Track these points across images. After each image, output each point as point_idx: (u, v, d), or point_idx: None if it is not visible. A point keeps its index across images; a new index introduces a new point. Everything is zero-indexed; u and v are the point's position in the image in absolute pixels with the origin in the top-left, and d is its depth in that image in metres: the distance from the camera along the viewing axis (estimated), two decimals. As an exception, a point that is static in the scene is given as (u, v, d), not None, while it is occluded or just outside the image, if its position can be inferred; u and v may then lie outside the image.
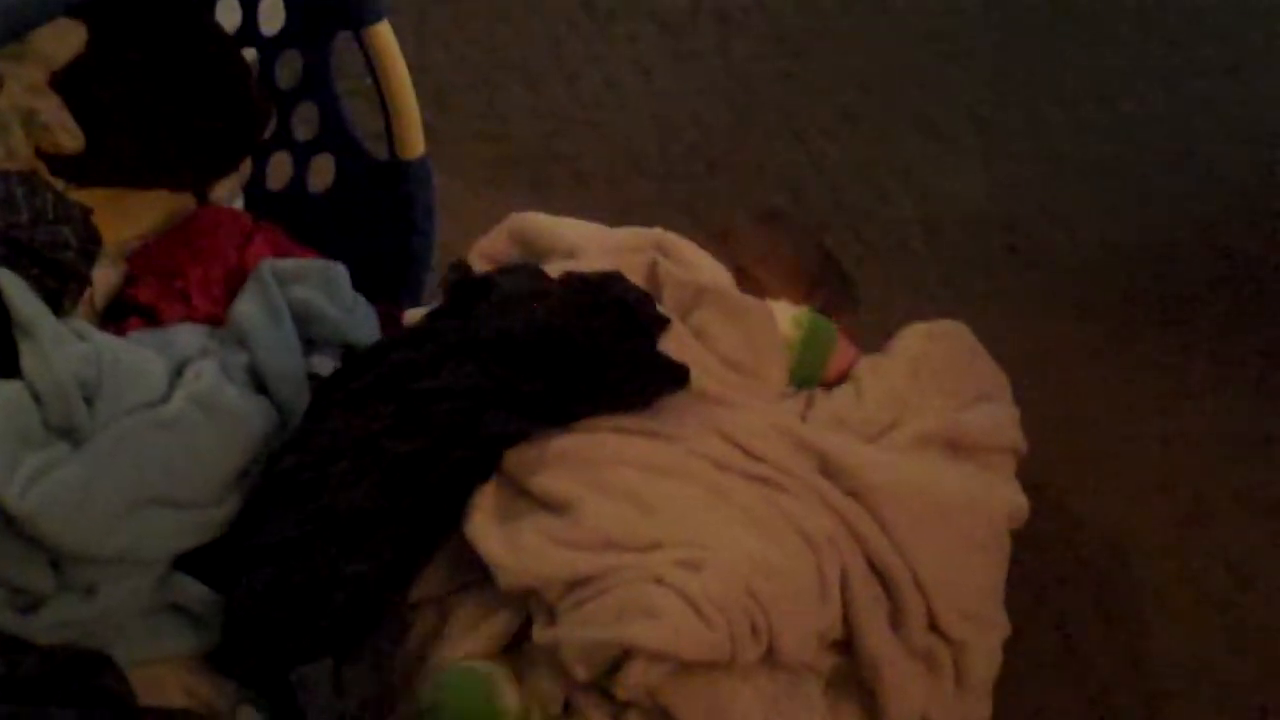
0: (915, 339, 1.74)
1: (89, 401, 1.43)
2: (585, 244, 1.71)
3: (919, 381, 1.67)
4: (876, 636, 1.46)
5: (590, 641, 1.34)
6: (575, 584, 1.39)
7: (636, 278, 1.64)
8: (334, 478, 1.45)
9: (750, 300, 1.65)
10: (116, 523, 1.39)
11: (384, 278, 1.86)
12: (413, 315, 1.66)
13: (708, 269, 1.69)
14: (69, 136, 1.78)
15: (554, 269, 1.64)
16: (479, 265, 1.75)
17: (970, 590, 1.53)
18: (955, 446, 1.61)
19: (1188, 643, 1.69)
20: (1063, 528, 1.67)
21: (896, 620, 1.49)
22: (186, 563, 1.48)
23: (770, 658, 1.40)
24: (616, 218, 2.15)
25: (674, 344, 1.54)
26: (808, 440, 1.54)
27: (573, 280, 1.54)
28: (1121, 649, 1.69)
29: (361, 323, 1.73)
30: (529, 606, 1.41)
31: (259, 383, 1.61)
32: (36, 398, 1.40)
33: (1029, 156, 2.41)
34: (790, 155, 2.41)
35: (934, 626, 1.50)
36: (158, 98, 1.84)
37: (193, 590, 1.46)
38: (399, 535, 1.42)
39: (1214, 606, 1.74)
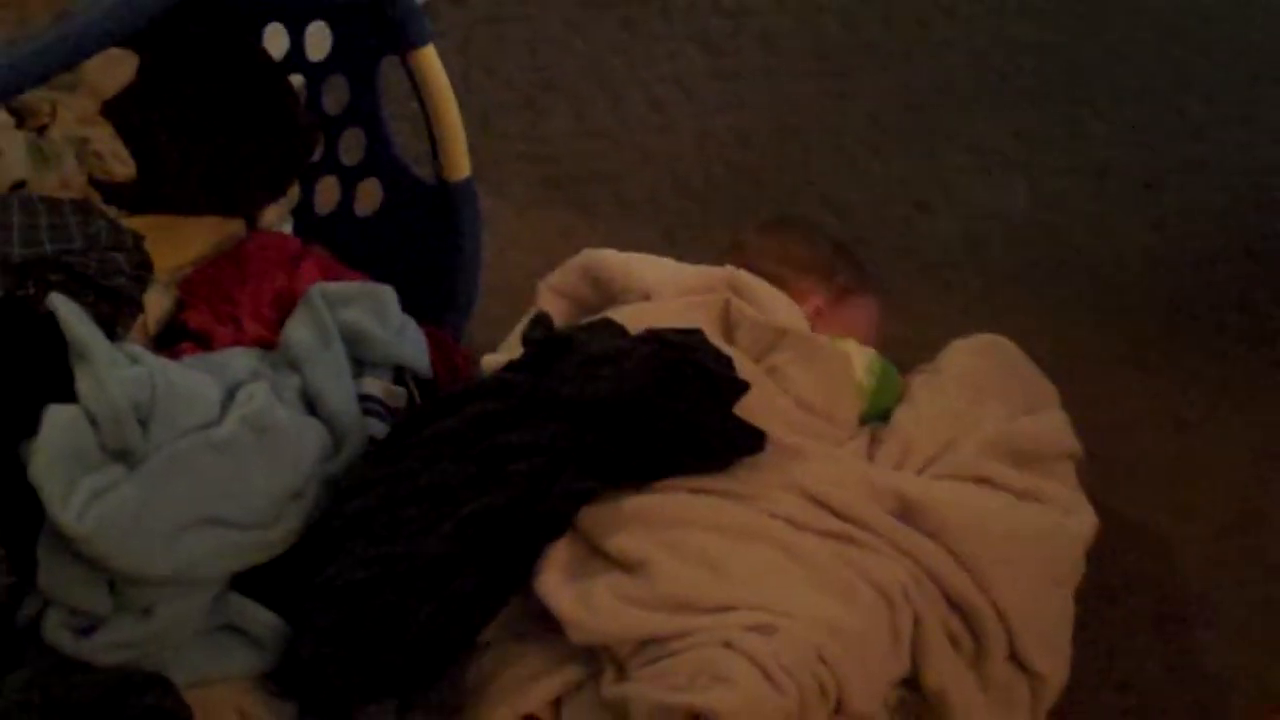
0: (963, 355, 1.75)
1: (143, 424, 1.45)
2: (660, 286, 1.72)
3: (972, 396, 1.69)
4: (946, 674, 1.47)
5: (662, 704, 1.35)
6: (647, 642, 1.40)
7: (711, 317, 1.66)
8: (407, 524, 1.46)
9: (826, 344, 1.67)
10: (171, 543, 1.41)
11: (432, 299, 1.88)
12: (490, 363, 1.68)
13: (783, 310, 1.71)
14: (121, 165, 1.81)
15: (629, 312, 1.66)
16: (548, 300, 1.77)
17: (1050, 622, 1.55)
18: (1017, 456, 1.63)
19: (1237, 652, 1.69)
20: (1110, 538, 1.67)
21: (978, 654, 1.50)
22: (245, 585, 1.49)
23: (838, 710, 1.41)
24: (661, 238, 2.18)
25: (751, 387, 1.55)
26: (884, 485, 1.55)
27: (653, 341, 1.55)
28: (1171, 659, 1.69)
29: (410, 344, 1.74)
30: (599, 660, 1.42)
31: (310, 405, 1.63)
32: (92, 421, 1.42)
33: (1070, 170, 2.41)
34: (833, 172, 2.41)
35: (1014, 659, 1.51)
36: (207, 125, 1.87)
37: (250, 611, 1.48)
38: (469, 586, 1.43)
39: (1263, 614, 1.73)
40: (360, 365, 1.70)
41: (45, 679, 1.36)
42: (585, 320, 1.67)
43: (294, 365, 1.66)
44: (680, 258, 1.80)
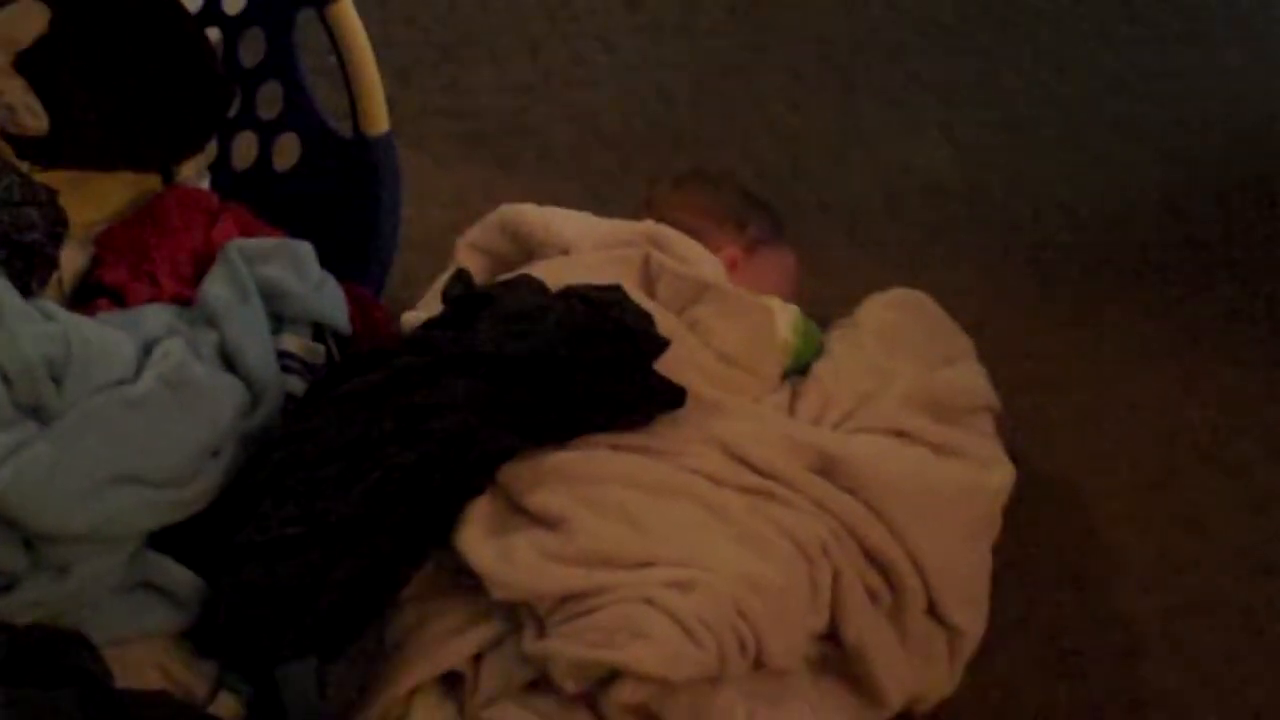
0: (880, 309, 1.77)
1: (57, 381, 1.43)
2: (578, 240, 1.72)
3: (889, 350, 1.70)
4: (865, 627, 1.49)
5: (582, 659, 1.36)
6: (567, 598, 1.40)
7: (630, 271, 1.66)
8: (327, 482, 1.46)
9: (749, 298, 1.67)
10: (86, 501, 1.39)
11: (350, 255, 1.86)
12: (409, 320, 1.67)
13: (705, 263, 1.71)
14: (34, 118, 1.78)
15: (548, 267, 1.65)
16: (467, 256, 1.76)
17: (968, 575, 1.57)
18: (935, 409, 1.64)
19: (1151, 601, 1.71)
20: (1027, 491, 1.68)
21: (897, 607, 1.52)
22: (162, 542, 1.48)
23: (757, 663, 1.42)
24: (582, 192, 2.17)
25: (672, 339, 1.55)
26: (803, 440, 1.56)
27: (574, 298, 1.55)
28: (1089, 612, 1.71)
29: (329, 300, 1.73)
30: (519, 617, 1.43)
31: (228, 361, 1.61)
32: (4, 378, 1.40)
33: (989, 125, 2.42)
34: (752, 126, 2.42)
35: (932, 612, 1.53)
36: (122, 78, 1.84)
37: (169, 569, 1.46)
38: (389, 543, 1.43)
39: (1178, 568, 1.75)
40: (279, 322, 1.68)
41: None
42: (505, 277, 1.67)
43: (211, 322, 1.64)
44: (602, 212, 1.80)
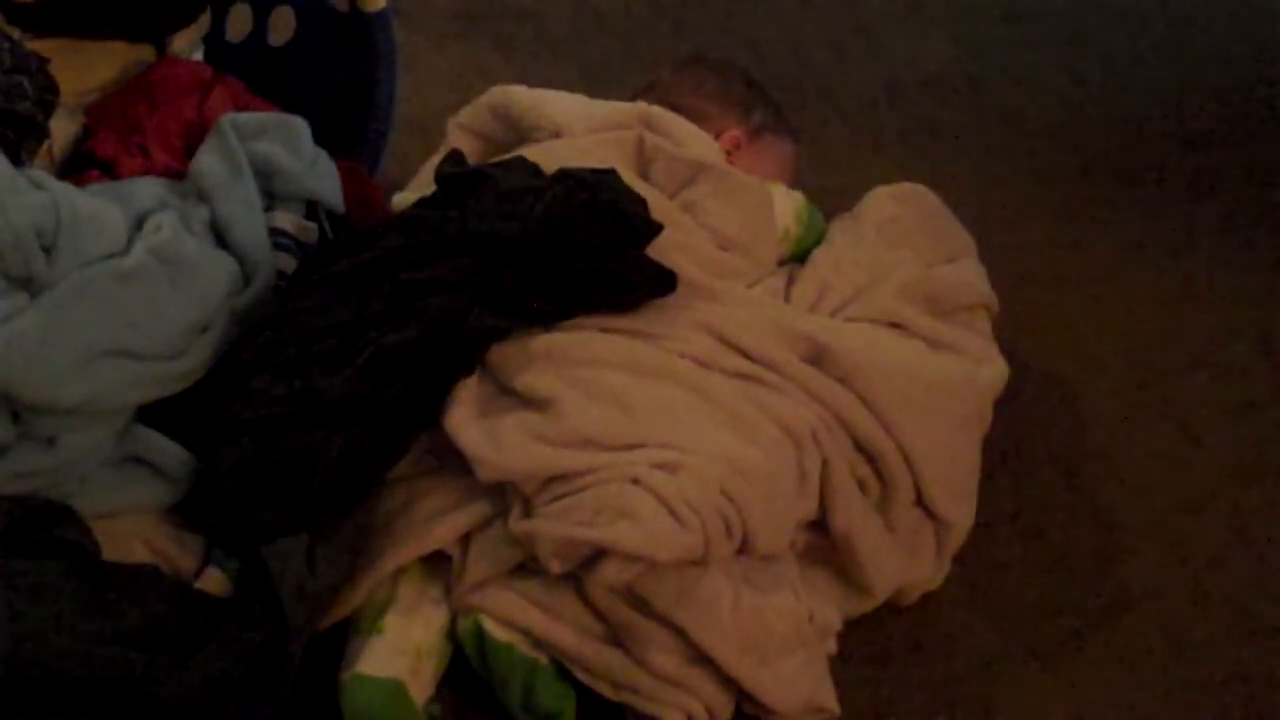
0: (883, 201, 1.76)
1: (47, 252, 1.43)
2: (571, 122, 1.70)
3: (890, 242, 1.69)
4: (853, 517, 1.49)
5: (567, 538, 1.36)
6: (553, 479, 1.40)
7: (624, 153, 1.64)
8: (318, 359, 1.45)
9: (748, 179, 1.66)
10: (74, 373, 1.39)
11: (345, 132, 1.85)
12: (400, 202, 1.66)
13: (700, 144, 1.69)
14: (25, -16, 1.76)
15: (540, 150, 1.64)
16: (458, 137, 1.75)
17: (957, 468, 1.57)
18: (932, 303, 1.64)
19: (1141, 502, 1.71)
20: (1021, 388, 1.68)
21: (885, 498, 1.52)
22: (151, 418, 1.48)
23: (744, 548, 1.42)
24: (580, 77, 2.15)
25: (665, 222, 1.54)
26: (796, 328, 1.55)
27: (567, 180, 1.53)
28: (1076, 507, 1.71)
29: (323, 177, 1.71)
30: (506, 498, 1.43)
31: (219, 237, 1.60)
32: (-6, 248, 1.40)
33: (991, 19, 2.40)
34: (754, 15, 2.39)
35: (920, 504, 1.53)
36: (116, -54, 1.82)
37: (157, 444, 1.46)
38: (379, 421, 1.42)
39: (1165, 465, 1.76)
40: (271, 199, 1.67)
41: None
42: (497, 159, 1.65)
43: (203, 196, 1.63)
44: (599, 97, 1.78)
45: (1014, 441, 1.71)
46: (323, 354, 1.45)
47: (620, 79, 2.13)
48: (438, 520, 1.44)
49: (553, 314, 1.50)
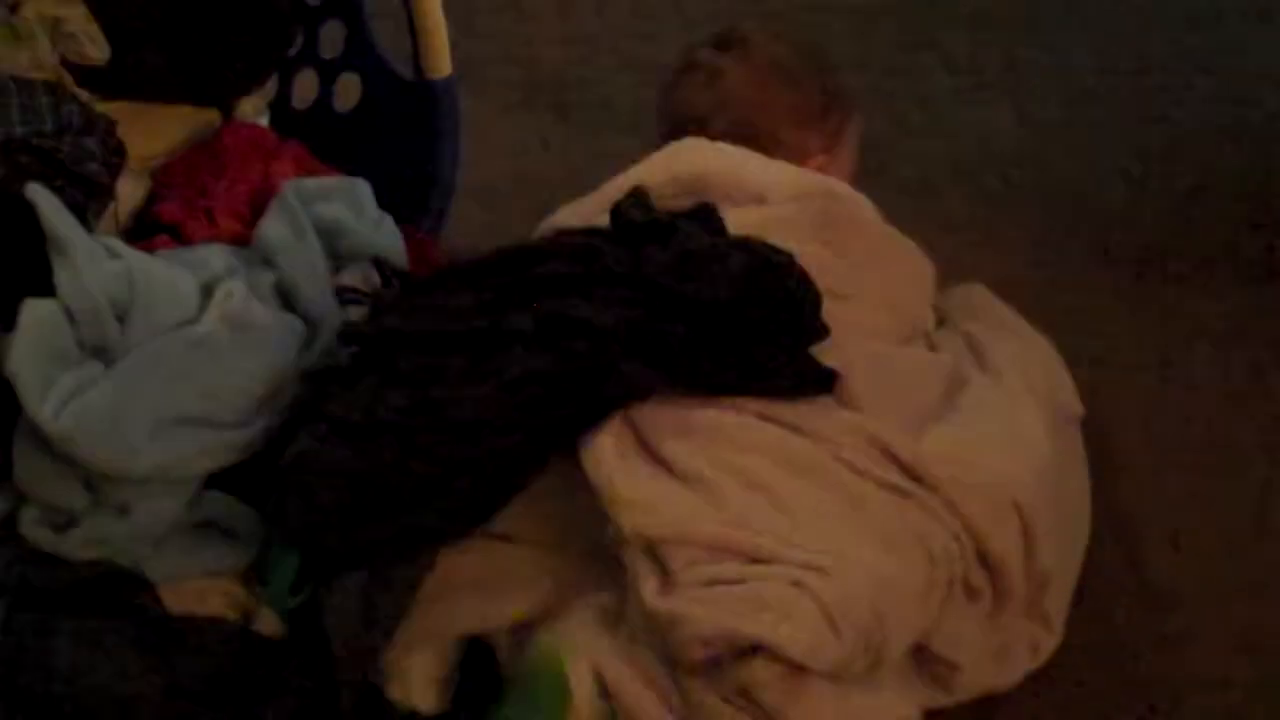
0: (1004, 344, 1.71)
1: (121, 320, 1.43)
2: (771, 191, 1.64)
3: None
4: (963, 629, 1.46)
5: (729, 630, 1.30)
6: (699, 563, 1.34)
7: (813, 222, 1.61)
8: (443, 373, 1.39)
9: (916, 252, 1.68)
10: (147, 441, 1.39)
11: (408, 199, 1.85)
12: (549, 225, 1.62)
13: (867, 209, 1.69)
14: (95, 47, 1.77)
15: (744, 215, 1.58)
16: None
17: (1070, 586, 1.56)
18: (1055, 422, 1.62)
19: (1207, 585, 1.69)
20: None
21: (996, 609, 1.48)
22: (221, 479, 1.47)
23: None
24: (642, 146, 2.13)
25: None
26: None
27: (754, 254, 1.46)
28: (1140, 591, 1.69)
29: (387, 235, 1.71)
30: (635, 566, 1.35)
31: (285, 299, 1.60)
32: (70, 316, 1.40)
33: (1055, 95, 2.39)
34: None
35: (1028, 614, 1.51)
36: (185, 10, 1.83)
37: (229, 507, 1.46)
38: (506, 452, 1.36)
39: (1231, 549, 1.74)
40: (337, 259, 1.67)
41: (25, 564, 1.37)
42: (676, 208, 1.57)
43: (268, 261, 1.63)
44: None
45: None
46: (449, 369, 1.39)
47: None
48: (509, 596, 1.40)
49: (706, 383, 1.44)
